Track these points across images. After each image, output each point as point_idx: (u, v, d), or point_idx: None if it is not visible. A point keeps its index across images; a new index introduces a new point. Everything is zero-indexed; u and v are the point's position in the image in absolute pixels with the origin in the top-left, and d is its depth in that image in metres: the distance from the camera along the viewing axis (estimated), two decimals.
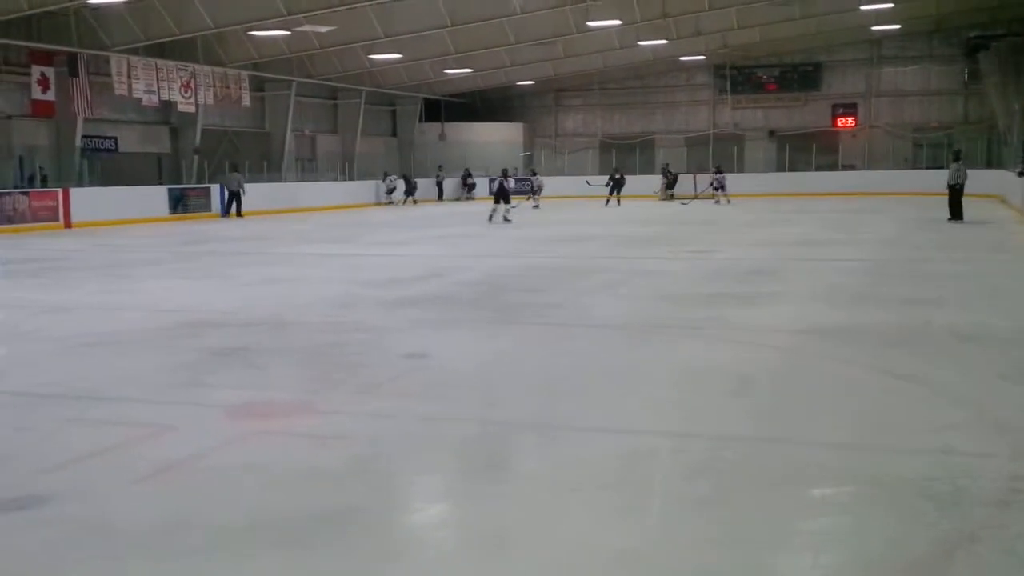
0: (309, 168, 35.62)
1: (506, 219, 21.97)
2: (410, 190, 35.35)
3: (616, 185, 32.29)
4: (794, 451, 4.62)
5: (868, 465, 4.36)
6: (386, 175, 35.68)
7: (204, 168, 29.48)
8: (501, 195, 22.88)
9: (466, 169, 38.80)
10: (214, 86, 28.93)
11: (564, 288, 10.82)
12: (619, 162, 37.09)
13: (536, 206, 27.68)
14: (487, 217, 22.29)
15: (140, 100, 26.76)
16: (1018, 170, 23.34)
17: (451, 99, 41.18)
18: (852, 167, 37.43)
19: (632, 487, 4.14)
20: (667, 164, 35.85)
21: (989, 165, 31.89)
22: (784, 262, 13.27)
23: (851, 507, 3.97)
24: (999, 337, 7.40)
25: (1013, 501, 3.83)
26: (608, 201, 31.49)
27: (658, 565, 3.32)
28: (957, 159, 20.52)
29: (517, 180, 36.75)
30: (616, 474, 4.30)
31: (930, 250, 14.60)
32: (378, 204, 34.48)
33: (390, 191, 34.83)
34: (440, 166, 38.78)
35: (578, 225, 22.16)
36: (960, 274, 11.60)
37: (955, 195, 19.90)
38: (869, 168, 36.90)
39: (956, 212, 19.68)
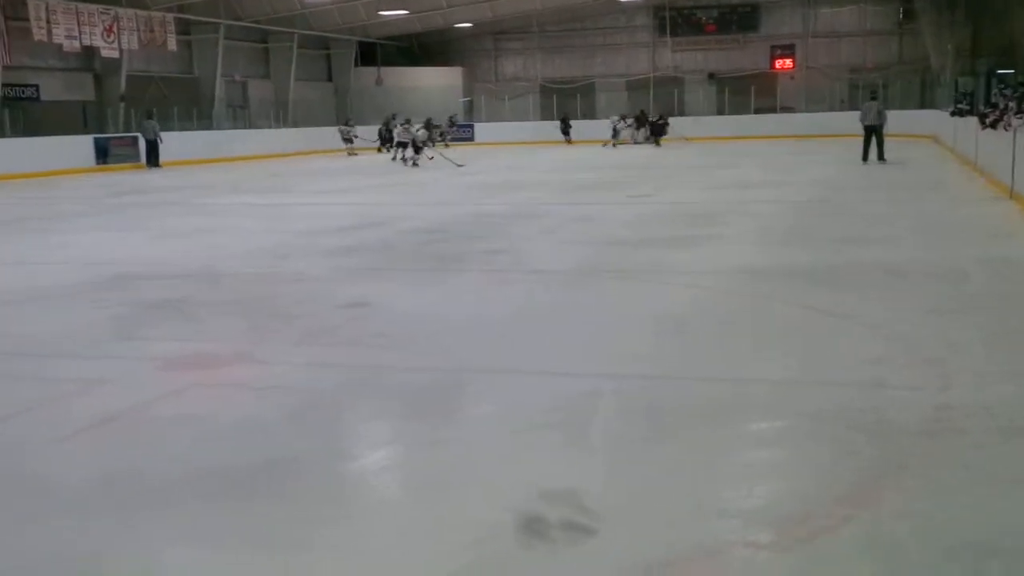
0: (241, 115, 34.84)
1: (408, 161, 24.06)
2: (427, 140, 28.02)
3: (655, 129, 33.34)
4: (729, 388, 4.69)
5: (800, 399, 4.45)
6: (348, 120, 34.01)
7: (131, 116, 28.67)
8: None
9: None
10: (138, 30, 28.05)
11: (504, 235, 10.80)
12: (560, 107, 36.95)
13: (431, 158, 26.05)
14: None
15: (61, 46, 25.85)
16: (950, 110, 23.74)
17: (387, 42, 40.48)
18: (791, 109, 37.75)
19: (573, 428, 4.17)
20: (642, 110, 36.25)
21: (923, 105, 32.38)
22: (721, 205, 13.38)
23: (784, 441, 4.06)
24: (928, 273, 7.57)
25: (939, 431, 3.94)
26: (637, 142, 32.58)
27: (599, 501, 3.36)
28: (874, 98, 20.51)
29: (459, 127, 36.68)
30: (557, 416, 4.33)
31: (863, 190, 14.84)
32: (339, 151, 32.48)
33: (347, 140, 32.32)
34: (394, 114, 35.71)
35: (518, 171, 22.09)
36: (892, 213, 11.82)
37: (874, 135, 19.68)
38: (807, 110, 37.25)
39: (879, 153, 19.53)
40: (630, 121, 33.78)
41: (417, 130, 25.21)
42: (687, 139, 33.36)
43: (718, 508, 3.37)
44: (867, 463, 3.64)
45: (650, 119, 34.49)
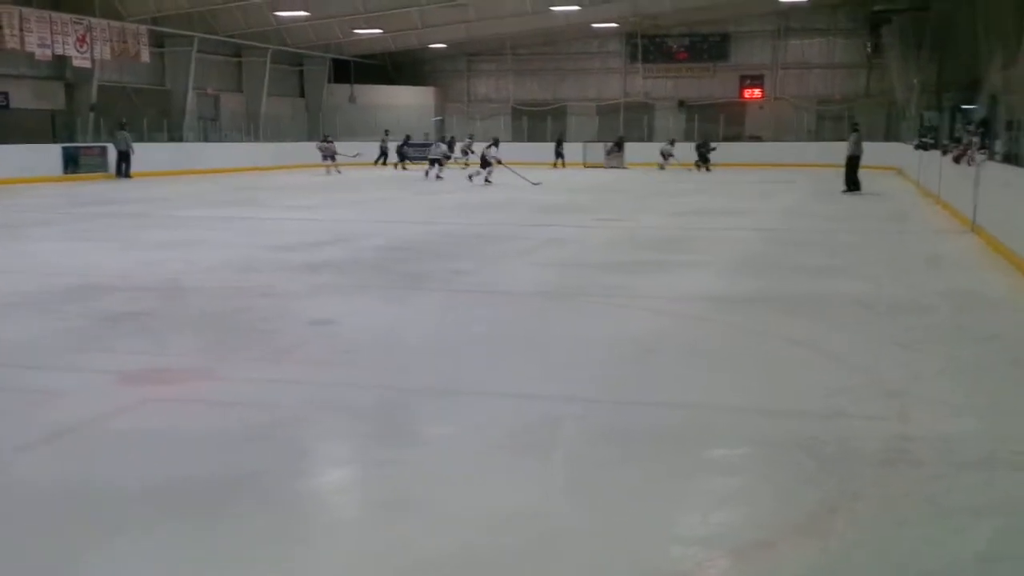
0: (212, 128, 34.65)
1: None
2: (448, 153, 28.85)
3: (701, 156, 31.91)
4: (692, 415, 4.71)
5: (762, 427, 4.47)
6: (326, 136, 32.65)
7: (101, 126, 28.41)
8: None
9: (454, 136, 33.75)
10: (111, 41, 27.85)
11: (473, 255, 10.80)
12: (531, 129, 37.11)
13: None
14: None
15: (33, 54, 25.61)
16: (915, 143, 24.12)
17: (361, 60, 40.49)
18: (758, 138, 38.17)
19: (536, 451, 4.17)
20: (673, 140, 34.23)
21: (888, 138, 32.88)
22: (689, 231, 13.48)
23: (744, 468, 4.07)
24: (891, 304, 7.67)
25: (897, 461, 3.98)
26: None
27: (560, 526, 3.36)
28: (855, 130, 21.13)
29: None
30: (520, 438, 4.32)
31: (831, 220, 15.00)
32: (313, 166, 31.49)
33: (327, 156, 30.64)
34: (387, 131, 36.13)
35: (491, 191, 22.12)
36: (859, 244, 11.96)
37: (852, 166, 20.38)
38: (775, 139, 37.68)
39: (853, 183, 20.23)
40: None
41: (488, 147, 24.86)
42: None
43: (677, 534, 3.38)
44: (825, 492, 3.66)
45: (697, 144, 33.10)
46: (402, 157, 33.78)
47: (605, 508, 3.55)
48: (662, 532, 3.36)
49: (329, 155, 30.15)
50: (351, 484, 3.95)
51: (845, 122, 33.62)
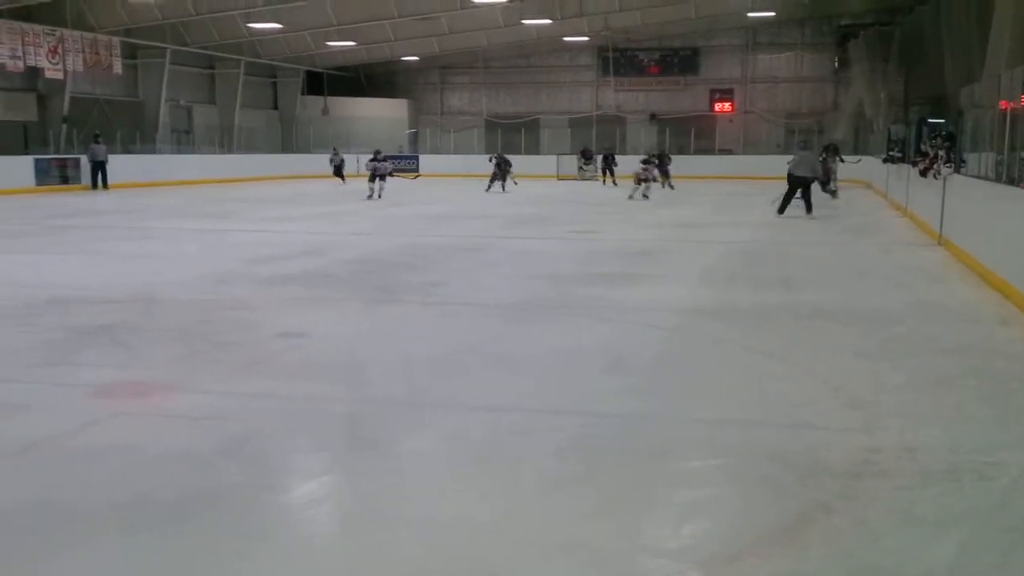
0: (185, 140, 34.48)
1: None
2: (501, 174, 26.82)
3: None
4: (663, 427, 4.75)
5: (731, 439, 4.52)
6: (335, 150, 32.84)
7: (73, 138, 28.21)
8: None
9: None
10: (84, 52, 27.72)
11: (445, 267, 10.81)
12: (504, 143, 37.16)
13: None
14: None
15: (4, 65, 25.42)
16: (883, 156, 24.43)
17: (334, 72, 40.48)
18: (729, 151, 38.49)
19: (505, 463, 4.18)
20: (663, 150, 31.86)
21: (856, 151, 33.26)
22: (662, 243, 13.56)
23: (714, 480, 4.10)
24: (858, 316, 7.75)
25: (865, 472, 4.03)
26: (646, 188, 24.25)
27: (529, 537, 3.38)
28: (806, 147, 18.92)
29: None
30: (490, 451, 4.34)
31: (799, 233, 15.15)
32: (288, 178, 31.82)
33: (338, 167, 31.37)
34: (335, 148, 34.05)
35: (463, 204, 22.15)
36: (826, 256, 12.10)
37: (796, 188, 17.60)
38: (744, 152, 38.01)
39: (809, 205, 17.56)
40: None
41: (645, 160, 23.97)
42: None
43: (647, 546, 3.40)
44: (794, 504, 3.71)
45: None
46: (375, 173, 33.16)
47: (574, 520, 3.57)
48: (631, 544, 3.39)
49: (381, 174, 23.64)
50: (322, 497, 3.94)
51: (816, 136, 33.96)
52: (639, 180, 23.29)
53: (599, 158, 32.08)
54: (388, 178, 23.94)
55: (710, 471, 4.20)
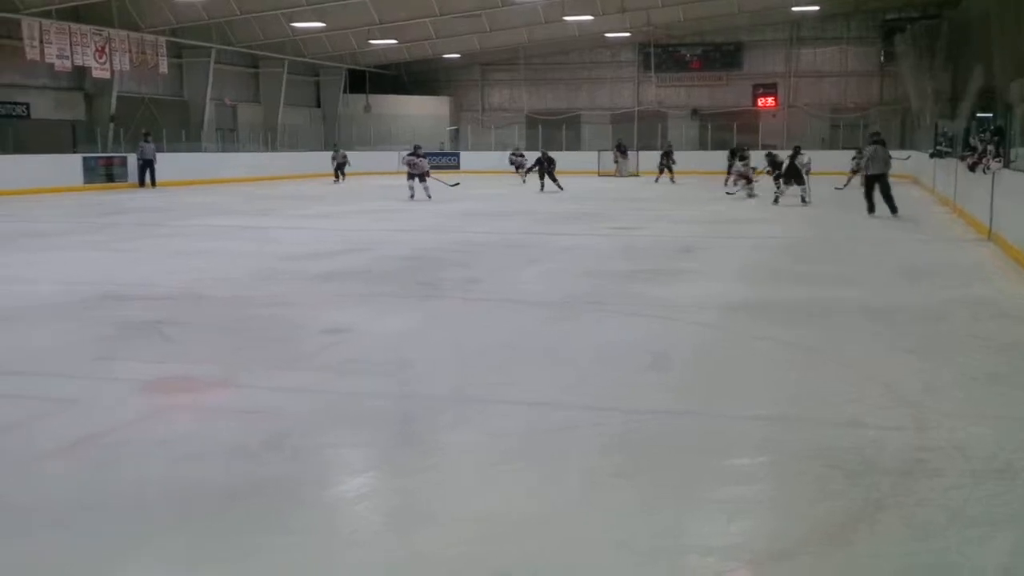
0: (230, 138, 34.90)
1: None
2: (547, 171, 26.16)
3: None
4: (708, 424, 4.71)
5: (780, 437, 4.48)
6: (336, 147, 32.65)
7: (120, 136, 28.67)
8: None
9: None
10: (130, 52, 28.13)
11: (487, 263, 10.83)
12: (545, 139, 37.13)
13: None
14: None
15: (53, 65, 25.88)
16: (930, 151, 24.04)
17: (376, 70, 40.72)
18: (772, 146, 38.03)
19: (549, 460, 4.18)
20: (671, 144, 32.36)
21: (903, 146, 32.79)
22: (705, 240, 13.47)
23: (761, 477, 4.07)
24: (907, 312, 7.64)
25: (915, 471, 3.97)
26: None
27: (574, 535, 3.37)
28: (877, 141, 17.29)
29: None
30: (534, 447, 4.34)
31: (845, 228, 14.96)
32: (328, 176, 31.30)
33: (339, 166, 31.05)
34: (335, 144, 33.95)
35: (504, 200, 22.16)
36: (873, 252, 11.93)
37: (872, 186, 16.86)
38: (788, 148, 37.53)
39: (873, 204, 16.67)
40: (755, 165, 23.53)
41: (742, 160, 22.78)
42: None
43: (693, 544, 3.38)
44: (844, 502, 3.66)
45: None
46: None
47: (619, 517, 3.55)
48: (677, 542, 3.37)
49: (419, 174, 22.40)
50: (368, 492, 3.97)
51: (860, 130, 33.49)
52: (741, 177, 22.29)
53: (658, 155, 30.86)
54: (428, 178, 21.96)
55: (757, 468, 4.16)
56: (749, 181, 22.22)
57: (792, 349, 6.39)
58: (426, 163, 22.53)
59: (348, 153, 32.52)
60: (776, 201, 19.74)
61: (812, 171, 21.19)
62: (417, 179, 21.86)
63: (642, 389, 5.39)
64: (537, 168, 26.08)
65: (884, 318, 7.42)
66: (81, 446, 4.34)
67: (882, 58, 37.46)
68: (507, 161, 31.77)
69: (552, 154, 27.29)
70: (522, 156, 31.22)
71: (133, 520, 3.53)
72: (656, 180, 29.28)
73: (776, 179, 22.34)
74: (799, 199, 19.57)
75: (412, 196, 21.57)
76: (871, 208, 16.59)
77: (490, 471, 4.06)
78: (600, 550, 3.27)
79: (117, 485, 3.87)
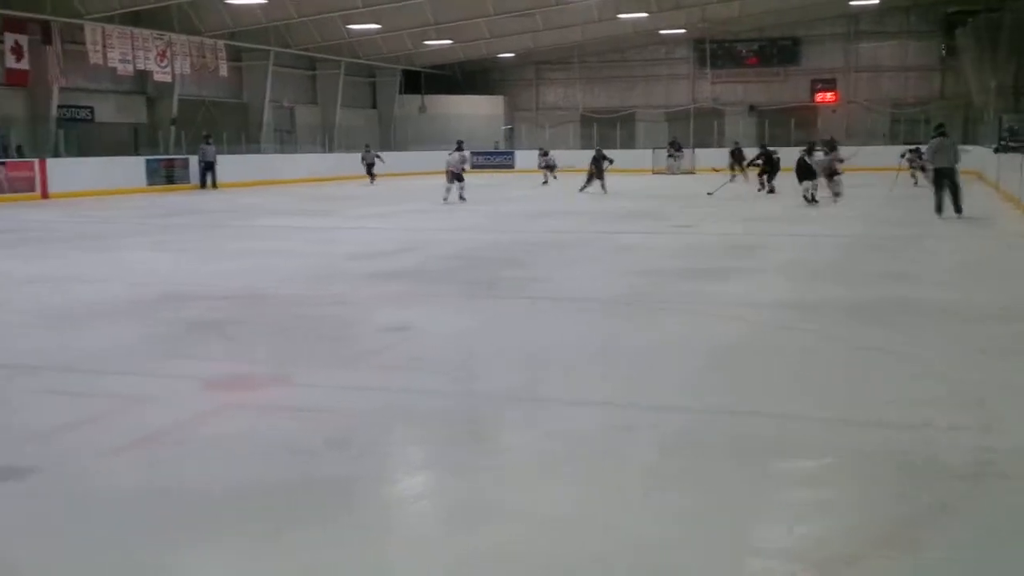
0: (288, 140, 35.35)
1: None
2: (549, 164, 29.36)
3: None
4: (770, 424, 4.65)
5: (846, 438, 4.40)
6: (367, 147, 31.99)
7: (181, 139, 29.21)
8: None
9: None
10: (190, 55, 28.64)
11: (542, 262, 10.83)
12: (599, 137, 36.98)
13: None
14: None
15: (115, 69, 26.46)
16: (994, 146, 23.50)
17: (431, 71, 40.95)
18: (821, 143, 37.48)
19: (609, 459, 4.16)
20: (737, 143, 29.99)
21: (965, 141, 32.08)
22: (764, 238, 13.32)
23: (827, 479, 4.00)
24: (975, 312, 7.47)
25: (984, 473, 3.88)
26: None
27: (633, 535, 3.35)
28: (943, 133, 16.17)
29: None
30: (593, 446, 4.32)
31: (908, 226, 14.66)
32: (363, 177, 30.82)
33: (370, 165, 30.59)
34: (367, 144, 32.55)
35: (558, 199, 22.13)
36: (938, 249, 11.70)
37: (947, 181, 15.54)
38: (847, 143, 36.96)
39: (956, 204, 15.40)
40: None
41: (820, 153, 20.57)
42: (715, 169, 29.34)
43: (757, 547, 3.34)
44: (913, 504, 3.59)
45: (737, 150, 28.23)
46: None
47: (685, 518, 3.52)
48: (742, 544, 3.33)
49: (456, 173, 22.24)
50: (430, 490, 3.99)
51: (920, 125, 32.83)
52: (830, 174, 19.45)
53: (728, 153, 29.15)
54: (463, 176, 20.86)
55: (823, 470, 4.10)
56: (833, 175, 19.62)
57: (858, 349, 6.28)
58: (458, 158, 21.06)
59: (387, 153, 32.43)
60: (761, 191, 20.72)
61: (843, 168, 19.88)
62: (456, 180, 20.73)
63: (702, 389, 5.34)
64: (593, 167, 24.27)
65: (952, 317, 7.26)
66: (146, 442, 4.43)
67: (943, 52, 36.73)
68: (540, 163, 30.09)
69: (580, 153, 26.65)
70: (546, 155, 30.22)
71: (195, 514, 3.58)
72: (732, 179, 26.06)
73: (761, 175, 22.17)
74: (831, 197, 18.85)
75: (445, 199, 20.45)
76: (939, 207, 15.45)
77: (550, 470, 4.05)
78: (662, 551, 3.24)
79: (180, 480, 3.94)
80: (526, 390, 5.35)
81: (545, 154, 30.56)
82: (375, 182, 29.82)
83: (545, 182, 28.69)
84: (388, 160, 31.75)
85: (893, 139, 36.14)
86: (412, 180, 31.89)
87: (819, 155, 19.93)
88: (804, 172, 19.07)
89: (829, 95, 38.97)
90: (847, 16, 37.66)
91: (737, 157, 28.20)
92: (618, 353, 6.24)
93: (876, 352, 6.14)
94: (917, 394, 5.09)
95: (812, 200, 18.61)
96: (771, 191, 22.24)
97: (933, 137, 16.23)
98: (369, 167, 30.58)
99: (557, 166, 29.59)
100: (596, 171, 24.11)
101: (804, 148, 20.19)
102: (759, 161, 22.94)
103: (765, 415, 4.80)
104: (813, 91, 39.11)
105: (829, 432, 4.51)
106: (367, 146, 32.04)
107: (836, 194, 19.07)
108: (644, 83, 41.43)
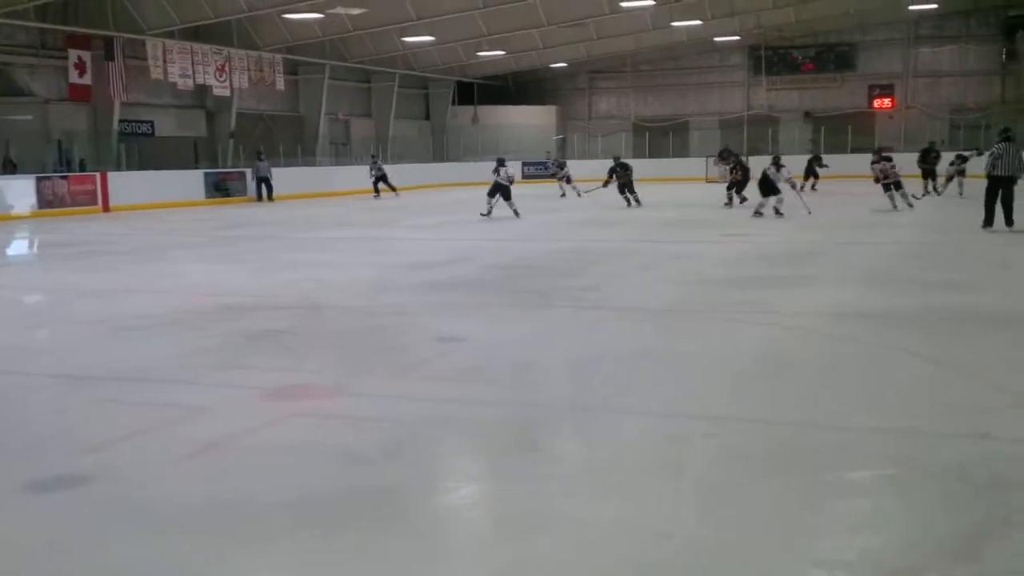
0: (343, 152, 35.78)
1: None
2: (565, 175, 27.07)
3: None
4: (827, 435, 4.59)
5: (905, 449, 4.33)
6: (374, 159, 29.69)
7: (240, 152, 29.72)
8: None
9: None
10: (248, 70, 29.15)
11: (597, 271, 10.82)
12: (652, 146, 36.79)
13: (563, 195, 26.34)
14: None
15: (176, 84, 27.06)
16: None
17: (484, 82, 41.16)
18: (889, 149, 36.86)
19: (664, 469, 4.15)
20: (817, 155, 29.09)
21: None
22: (816, 246, 13.15)
23: (887, 491, 3.94)
24: None
25: None
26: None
27: (690, 546, 3.34)
28: (1008, 138, 14.61)
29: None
30: (650, 457, 4.31)
31: (962, 233, 14.35)
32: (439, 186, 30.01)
33: (379, 179, 28.46)
34: (373, 155, 30.76)
35: (610, 209, 22.06)
36: (998, 258, 11.45)
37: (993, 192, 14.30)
38: (905, 150, 36.37)
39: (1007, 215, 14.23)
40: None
41: (891, 165, 18.97)
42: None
43: (817, 557, 3.30)
44: (972, 517, 3.52)
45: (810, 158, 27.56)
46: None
47: (740, 529, 3.50)
48: (801, 555, 3.30)
49: (377, 179, 27.12)
50: (485, 500, 4.01)
51: (981, 131, 32.16)
52: (892, 184, 18.72)
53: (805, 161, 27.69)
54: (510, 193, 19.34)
55: (881, 482, 4.04)
56: (898, 186, 18.83)
57: (917, 358, 6.18)
58: (501, 174, 19.42)
59: (438, 165, 31.50)
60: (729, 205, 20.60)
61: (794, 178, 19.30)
62: (499, 194, 19.36)
63: (758, 399, 5.29)
64: (613, 180, 22.39)
65: (1011, 327, 7.11)
66: (207, 451, 4.51)
67: (1004, 56, 35.99)
68: (557, 175, 27.74)
69: (633, 162, 23.67)
70: (562, 167, 27.84)
71: (253, 522, 3.64)
72: (802, 187, 23.14)
73: (730, 187, 21.37)
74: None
75: (483, 214, 19.21)
76: (989, 219, 14.15)
77: (603, 480, 4.05)
78: (719, 563, 3.23)
79: (239, 489, 4.00)
80: (582, 400, 5.35)
81: (561, 166, 27.89)
82: (391, 196, 28.06)
83: (563, 195, 26.26)
84: (440, 171, 31.83)
85: (952, 145, 35.45)
86: (463, 191, 32.01)
87: (775, 169, 18.34)
88: (769, 187, 18.15)
89: (887, 101, 38.38)
90: (905, 21, 37.09)
91: (814, 165, 27.16)
92: (673, 362, 6.21)
93: (929, 362, 6.04)
94: (972, 405, 5.00)
95: (779, 214, 17.85)
96: (743, 202, 20.81)
97: (998, 142, 14.96)
98: (377, 181, 28.29)
99: (572, 177, 26.96)
100: (626, 182, 22.14)
101: (772, 160, 18.86)
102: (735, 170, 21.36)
103: (819, 425, 4.75)
104: (870, 97, 38.55)
105: (885, 443, 4.45)
106: (373, 157, 29.92)
107: (778, 212, 18.03)
108: (697, 91, 41.19)
